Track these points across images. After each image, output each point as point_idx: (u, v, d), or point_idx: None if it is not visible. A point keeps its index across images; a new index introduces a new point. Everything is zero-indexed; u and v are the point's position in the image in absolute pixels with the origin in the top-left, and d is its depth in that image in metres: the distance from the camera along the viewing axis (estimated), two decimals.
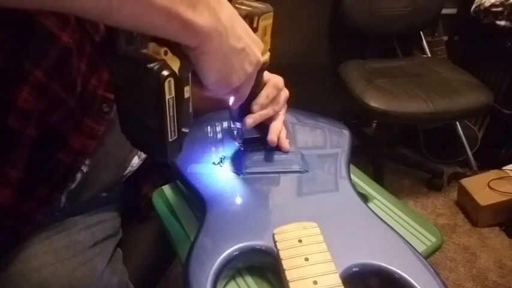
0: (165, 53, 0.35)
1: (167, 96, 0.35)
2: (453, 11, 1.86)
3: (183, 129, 0.39)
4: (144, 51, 0.35)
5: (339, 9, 1.60)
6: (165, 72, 0.34)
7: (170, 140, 0.37)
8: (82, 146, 0.54)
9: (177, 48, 0.36)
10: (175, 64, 0.36)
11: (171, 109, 0.36)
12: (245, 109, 0.55)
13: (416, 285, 0.40)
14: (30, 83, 0.47)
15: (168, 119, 0.36)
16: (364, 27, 1.63)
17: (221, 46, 0.37)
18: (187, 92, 0.38)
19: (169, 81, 0.34)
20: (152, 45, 0.35)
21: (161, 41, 0.35)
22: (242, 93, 0.47)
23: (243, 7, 0.46)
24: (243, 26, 0.42)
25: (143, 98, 0.36)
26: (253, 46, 0.43)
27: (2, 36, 0.44)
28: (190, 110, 0.39)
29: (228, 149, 0.61)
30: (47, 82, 0.48)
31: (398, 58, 1.77)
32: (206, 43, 0.36)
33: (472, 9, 1.67)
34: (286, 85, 0.60)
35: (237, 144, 0.61)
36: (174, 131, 0.37)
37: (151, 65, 0.34)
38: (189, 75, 0.38)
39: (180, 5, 0.32)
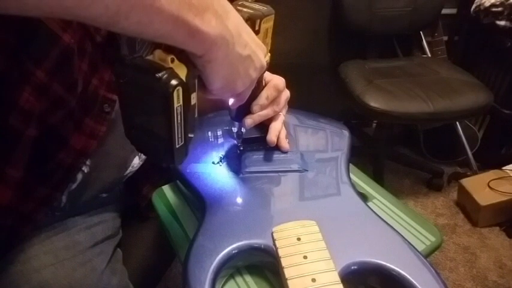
0: (172, 61, 0.35)
1: (175, 105, 0.34)
2: (453, 11, 1.86)
3: (189, 135, 0.39)
4: (150, 57, 0.35)
5: (339, 9, 1.60)
6: (174, 82, 0.33)
7: (177, 146, 0.37)
8: (83, 146, 0.54)
9: (183, 55, 0.35)
10: (182, 71, 0.35)
11: (178, 117, 0.35)
12: (245, 109, 0.55)
13: (416, 283, 0.40)
14: (31, 83, 0.47)
15: (176, 127, 0.36)
16: (364, 27, 1.63)
17: (227, 54, 0.38)
18: (193, 98, 0.38)
19: (177, 90, 0.34)
20: (158, 53, 0.35)
21: (166, 48, 0.34)
22: (243, 95, 0.47)
23: (245, 9, 0.46)
24: (248, 32, 0.42)
25: (151, 106, 0.35)
26: (258, 52, 0.43)
27: (4, 36, 0.44)
28: (196, 115, 0.39)
29: (228, 149, 0.61)
30: (48, 82, 0.48)
31: (398, 58, 1.77)
32: (213, 51, 0.36)
33: (472, 9, 1.67)
34: (286, 85, 0.60)
35: (237, 144, 0.61)
36: (181, 137, 0.37)
37: (160, 74, 0.33)
38: (195, 81, 0.38)
39: (188, 13, 0.32)
